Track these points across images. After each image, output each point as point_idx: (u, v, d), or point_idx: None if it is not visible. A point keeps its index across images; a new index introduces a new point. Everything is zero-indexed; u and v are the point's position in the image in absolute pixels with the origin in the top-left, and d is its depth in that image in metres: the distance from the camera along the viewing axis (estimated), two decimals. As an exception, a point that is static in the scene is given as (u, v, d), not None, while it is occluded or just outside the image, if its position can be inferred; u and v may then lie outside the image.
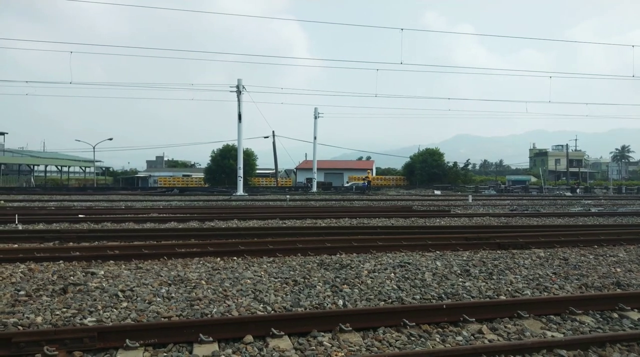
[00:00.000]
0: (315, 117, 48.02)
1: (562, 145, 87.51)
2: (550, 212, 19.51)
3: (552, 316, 5.08)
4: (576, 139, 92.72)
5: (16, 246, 9.24)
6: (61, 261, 7.57)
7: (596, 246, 9.95)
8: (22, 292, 5.61)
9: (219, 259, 7.99)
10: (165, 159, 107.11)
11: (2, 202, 22.79)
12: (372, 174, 61.13)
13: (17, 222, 12.99)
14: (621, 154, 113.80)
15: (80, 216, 15.04)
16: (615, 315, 5.21)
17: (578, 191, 49.91)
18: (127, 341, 4.02)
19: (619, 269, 7.64)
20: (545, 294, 6.08)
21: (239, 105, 36.49)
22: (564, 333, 4.64)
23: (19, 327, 4.46)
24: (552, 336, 4.52)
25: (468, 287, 6.23)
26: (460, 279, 6.72)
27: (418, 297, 5.77)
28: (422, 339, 4.41)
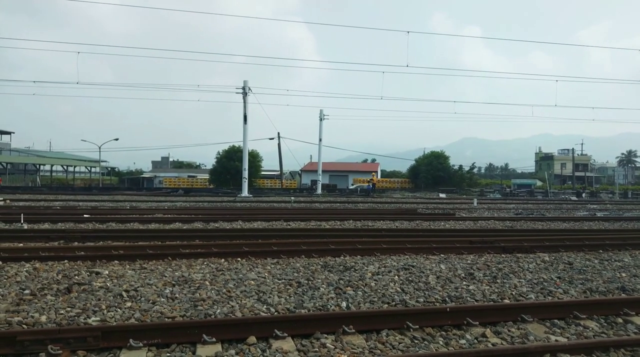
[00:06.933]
0: (321, 119, 47.97)
1: (568, 150, 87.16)
2: (556, 217, 19.42)
3: (556, 320, 5.06)
4: (582, 143, 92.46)
5: (21, 245, 9.30)
6: (66, 261, 7.60)
7: (601, 251, 9.91)
8: (26, 291, 5.65)
9: (223, 260, 8.01)
10: (171, 159, 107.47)
11: (7, 201, 22.93)
12: (377, 177, 61.06)
13: (22, 221, 13.06)
14: (627, 159, 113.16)
15: (85, 215, 15.10)
16: (620, 320, 5.19)
17: (584, 195, 49.67)
18: (131, 340, 4.03)
19: (624, 274, 7.61)
20: (550, 298, 6.06)
21: (244, 106, 36.54)
22: (567, 337, 4.62)
23: (24, 325, 4.49)
24: (556, 340, 4.50)
25: (472, 291, 6.22)
26: (464, 283, 6.70)
27: (422, 300, 5.76)
28: (426, 342, 4.40)
